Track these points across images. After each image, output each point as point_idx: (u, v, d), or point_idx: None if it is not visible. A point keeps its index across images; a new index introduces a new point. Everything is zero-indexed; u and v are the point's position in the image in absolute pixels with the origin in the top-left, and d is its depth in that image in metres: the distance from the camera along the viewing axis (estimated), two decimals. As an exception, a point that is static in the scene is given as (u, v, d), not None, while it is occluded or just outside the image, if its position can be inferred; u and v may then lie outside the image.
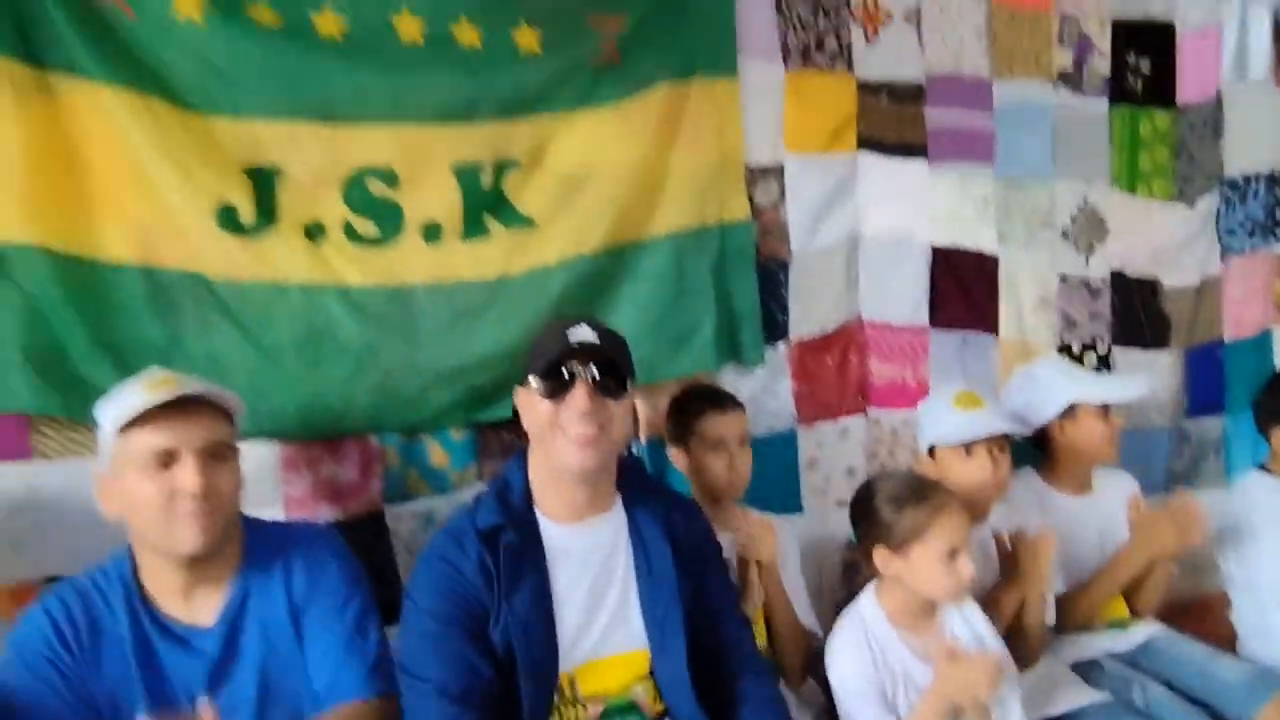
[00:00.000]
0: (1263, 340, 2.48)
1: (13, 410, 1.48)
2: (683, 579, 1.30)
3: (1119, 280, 2.34)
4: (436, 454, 1.78)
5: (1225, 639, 2.00)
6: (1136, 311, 2.35)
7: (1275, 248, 2.48)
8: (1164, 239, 2.36)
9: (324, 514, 1.68)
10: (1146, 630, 1.89)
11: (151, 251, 1.57)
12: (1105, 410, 1.90)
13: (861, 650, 1.43)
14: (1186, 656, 1.83)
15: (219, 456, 1.23)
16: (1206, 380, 2.42)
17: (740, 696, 1.34)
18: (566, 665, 1.25)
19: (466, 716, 1.16)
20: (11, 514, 1.51)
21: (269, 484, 1.63)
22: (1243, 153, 2.43)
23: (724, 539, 1.66)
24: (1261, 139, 2.44)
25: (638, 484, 1.38)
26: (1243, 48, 2.40)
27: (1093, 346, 2.32)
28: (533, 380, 1.24)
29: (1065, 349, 2.28)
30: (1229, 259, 2.44)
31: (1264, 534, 1.94)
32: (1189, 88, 2.35)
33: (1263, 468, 2.05)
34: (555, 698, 1.24)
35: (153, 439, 1.19)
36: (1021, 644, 1.67)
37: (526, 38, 1.74)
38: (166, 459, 1.19)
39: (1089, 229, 2.31)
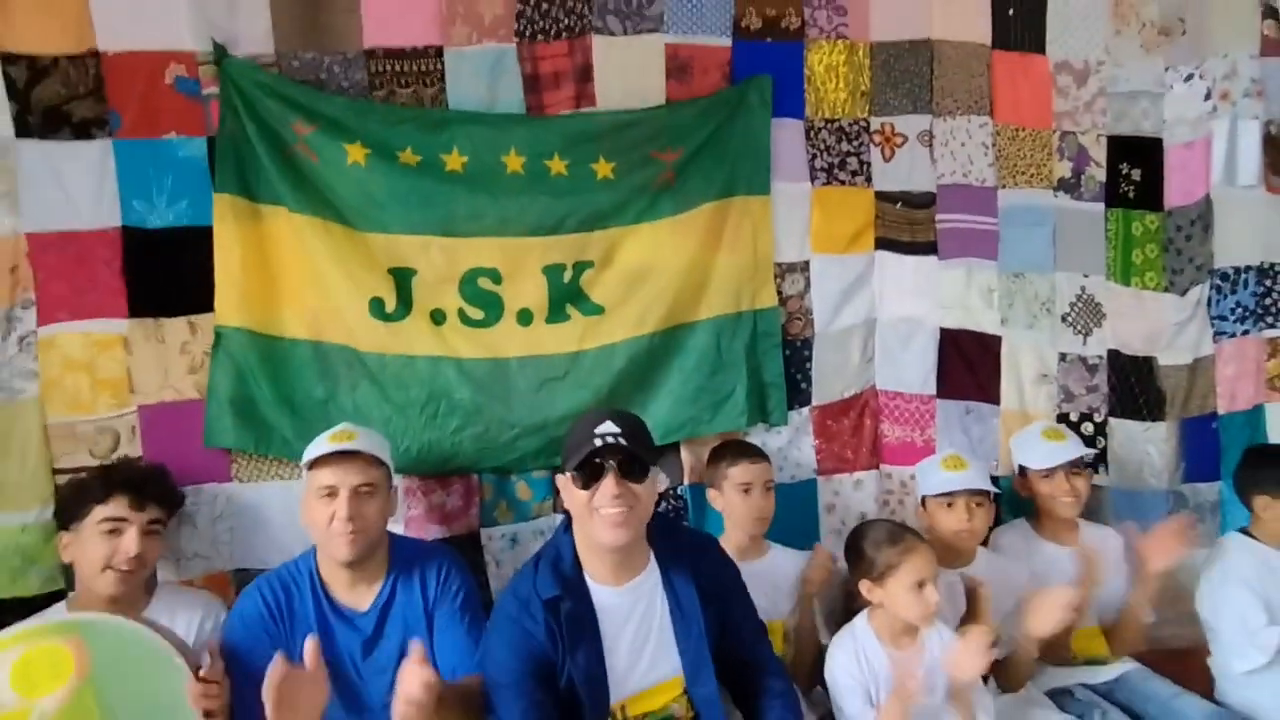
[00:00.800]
0: (1255, 415, 2.65)
1: (223, 445, 2.01)
2: (709, 614, 1.56)
3: (1115, 358, 2.58)
4: (522, 489, 2.22)
5: (1207, 686, 2.20)
6: (1132, 386, 2.59)
7: (1266, 332, 2.66)
8: (1157, 324, 2.59)
9: (434, 532, 2.14)
10: (1121, 667, 2.15)
11: (319, 330, 2.09)
12: (1062, 471, 2.17)
13: (850, 658, 1.78)
14: (1154, 692, 2.07)
15: (366, 493, 1.69)
16: (1201, 449, 2.61)
17: (761, 690, 1.66)
18: (618, 696, 1.52)
19: None
20: (214, 522, 2.03)
21: (395, 508, 2.09)
22: (1233, 248, 2.63)
23: (751, 565, 2.03)
24: (1251, 236, 2.63)
25: (665, 537, 1.63)
26: (1232, 156, 2.64)
27: (1090, 417, 2.58)
28: (570, 472, 1.50)
29: (1064, 418, 2.55)
30: (1221, 341, 2.64)
31: (1235, 590, 2.15)
32: (1175, 193, 2.60)
33: (1245, 531, 2.26)
34: None
35: (323, 477, 1.67)
36: (1007, 672, 1.98)
37: (604, 168, 2.20)
38: (329, 493, 1.66)
39: (1087, 314, 2.59)
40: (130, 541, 1.68)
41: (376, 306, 2.08)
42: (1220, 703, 2.12)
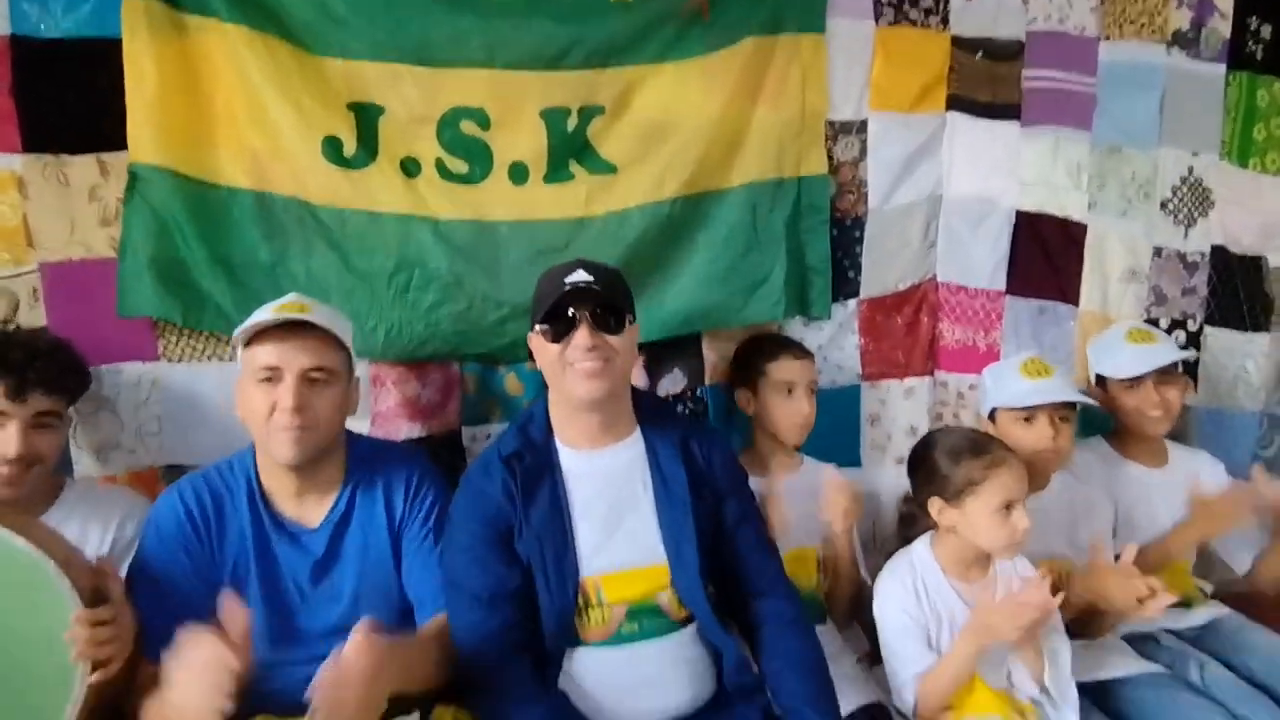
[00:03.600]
0: (1377, 329, 2.24)
1: (141, 314, 1.61)
2: (698, 501, 1.34)
3: (1220, 256, 2.15)
4: (512, 383, 1.82)
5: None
6: (1236, 289, 2.16)
7: (1402, 231, 2.22)
8: (1274, 215, 2.16)
9: (407, 430, 1.76)
10: (1210, 611, 1.78)
11: (263, 178, 1.65)
12: (1150, 380, 1.77)
13: (908, 591, 1.43)
14: (1255, 642, 1.70)
15: (320, 380, 1.30)
16: (1308, 367, 2.21)
17: (762, 617, 1.36)
18: (590, 571, 1.29)
19: (493, 618, 1.25)
20: (138, 407, 1.65)
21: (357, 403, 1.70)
22: (1374, 127, 2.18)
23: (783, 481, 1.67)
24: (1396, 112, 2.18)
25: (656, 415, 1.42)
26: (1385, 13, 2.14)
27: (1183, 324, 2.15)
28: (538, 325, 1.29)
29: (1153, 324, 2.11)
30: (1349, 242, 2.20)
31: None
32: (1314, 55, 2.12)
33: None
34: (581, 601, 1.28)
35: (263, 356, 1.26)
36: (1092, 620, 1.62)
37: (619, -14, 1.73)
38: (271, 375, 1.26)
39: (1192, 201, 2.13)
40: (9, 440, 1.30)
41: (331, 148, 1.64)
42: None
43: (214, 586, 1.27)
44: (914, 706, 1.39)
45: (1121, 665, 1.58)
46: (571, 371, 1.28)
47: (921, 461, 1.45)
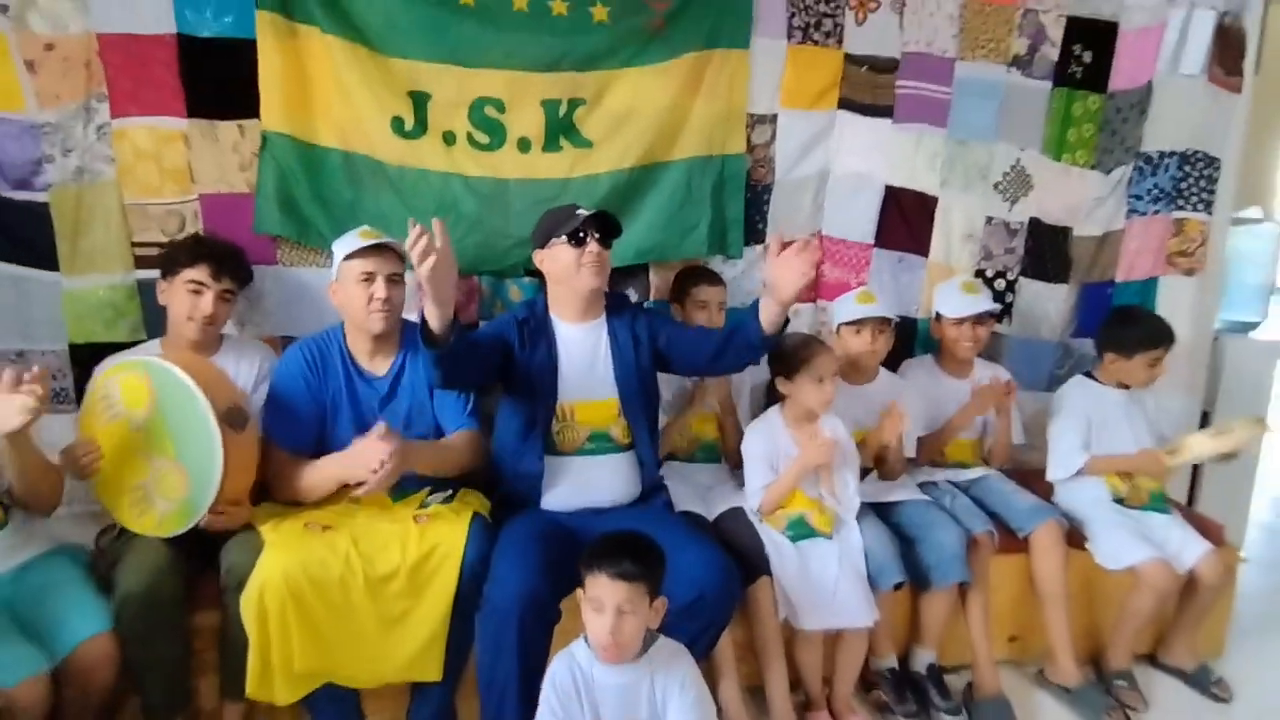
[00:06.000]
0: (1149, 285, 2.90)
1: (271, 233, 2.29)
2: (639, 359, 2.00)
3: (1035, 225, 2.80)
4: (514, 291, 2.52)
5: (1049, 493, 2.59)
6: (1044, 251, 2.83)
7: (1175, 214, 2.86)
8: (1079, 198, 2.79)
9: (442, 321, 2.46)
10: (980, 471, 2.55)
11: (347, 142, 2.31)
12: (970, 320, 2.45)
13: (761, 437, 2.16)
14: (999, 489, 2.47)
15: (396, 281, 1.99)
16: (1094, 311, 2.86)
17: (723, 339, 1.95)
18: (565, 399, 1.95)
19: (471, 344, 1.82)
20: (264, 295, 2.35)
21: (409, 299, 2.38)
22: (1162, 133, 2.77)
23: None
24: (1182, 123, 2.77)
25: (616, 306, 2.07)
26: (1182, 44, 2.72)
27: (1003, 274, 2.85)
28: (558, 240, 1.91)
29: (980, 273, 2.81)
30: (1133, 219, 2.85)
31: (1063, 418, 2.48)
32: (1121, 77, 2.70)
33: (1088, 374, 2.55)
34: (559, 415, 1.95)
35: (362, 265, 1.95)
36: (888, 465, 2.38)
37: (600, 12, 2.33)
38: (369, 278, 1.95)
39: (1017, 184, 2.77)
40: (206, 303, 1.99)
41: (397, 124, 2.29)
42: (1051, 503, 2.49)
43: (321, 405, 1.99)
44: (759, 506, 2.16)
45: (900, 494, 2.35)
46: (583, 269, 1.89)
47: (775, 354, 2.15)
